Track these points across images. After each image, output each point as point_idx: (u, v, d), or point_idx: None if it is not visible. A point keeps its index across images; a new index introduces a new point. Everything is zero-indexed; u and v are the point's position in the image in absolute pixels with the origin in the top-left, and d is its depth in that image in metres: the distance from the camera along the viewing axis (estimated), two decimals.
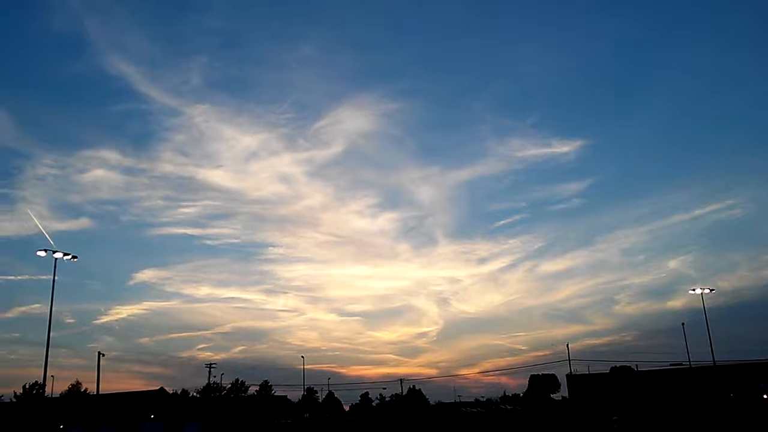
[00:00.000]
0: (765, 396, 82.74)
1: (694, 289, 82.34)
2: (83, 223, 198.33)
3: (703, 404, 76.59)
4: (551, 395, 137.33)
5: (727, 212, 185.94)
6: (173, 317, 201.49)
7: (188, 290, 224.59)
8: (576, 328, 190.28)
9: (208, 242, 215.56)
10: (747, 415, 63.14)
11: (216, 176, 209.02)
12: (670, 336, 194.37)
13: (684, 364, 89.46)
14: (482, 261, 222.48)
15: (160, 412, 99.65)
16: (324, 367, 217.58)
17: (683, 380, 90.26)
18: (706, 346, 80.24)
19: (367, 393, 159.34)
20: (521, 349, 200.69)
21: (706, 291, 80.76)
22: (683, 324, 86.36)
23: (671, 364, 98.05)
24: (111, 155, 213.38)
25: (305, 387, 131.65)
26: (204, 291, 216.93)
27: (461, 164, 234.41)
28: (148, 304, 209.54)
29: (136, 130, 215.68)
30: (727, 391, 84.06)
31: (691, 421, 56.66)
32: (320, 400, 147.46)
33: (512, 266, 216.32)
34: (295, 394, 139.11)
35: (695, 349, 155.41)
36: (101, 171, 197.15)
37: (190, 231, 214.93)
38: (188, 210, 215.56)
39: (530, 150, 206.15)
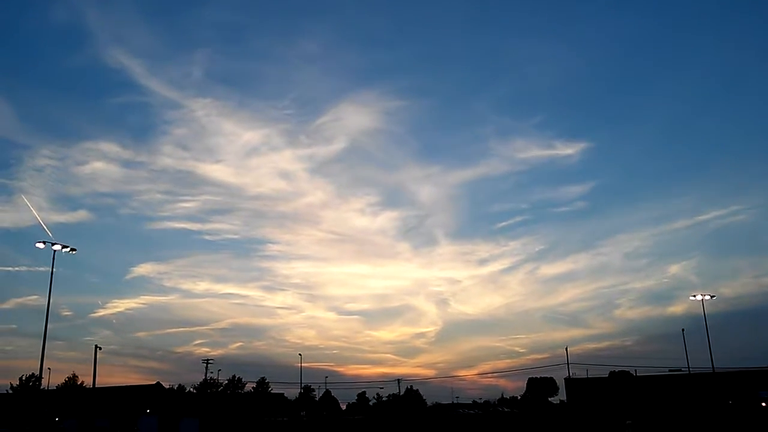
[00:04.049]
0: (764, 404, 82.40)
1: (695, 295, 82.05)
2: (82, 215, 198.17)
3: (701, 411, 76.20)
4: (549, 399, 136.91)
5: (731, 218, 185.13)
6: (171, 312, 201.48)
7: (186, 285, 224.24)
8: (576, 332, 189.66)
9: (208, 237, 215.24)
10: (745, 422, 62.82)
11: (216, 171, 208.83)
12: (670, 341, 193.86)
13: (683, 370, 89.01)
14: (482, 262, 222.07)
15: (156, 406, 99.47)
16: (321, 365, 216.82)
17: (682, 386, 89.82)
18: (706, 352, 79.83)
19: (364, 392, 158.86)
20: (520, 352, 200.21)
21: (707, 297, 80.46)
22: (683, 330, 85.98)
23: (670, 370, 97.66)
24: (110, 148, 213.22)
25: (302, 385, 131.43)
26: (202, 286, 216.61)
27: (463, 164, 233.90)
28: (145, 299, 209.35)
29: (136, 122, 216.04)
30: (725, 398, 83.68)
31: (691, 428, 56.33)
32: (317, 399, 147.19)
33: (513, 268, 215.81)
34: (292, 392, 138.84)
35: (695, 356, 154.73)
36: (100, 163, 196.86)
37: (189, 226, 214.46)
38: (188, 205, 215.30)
39: (533, 151, 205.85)
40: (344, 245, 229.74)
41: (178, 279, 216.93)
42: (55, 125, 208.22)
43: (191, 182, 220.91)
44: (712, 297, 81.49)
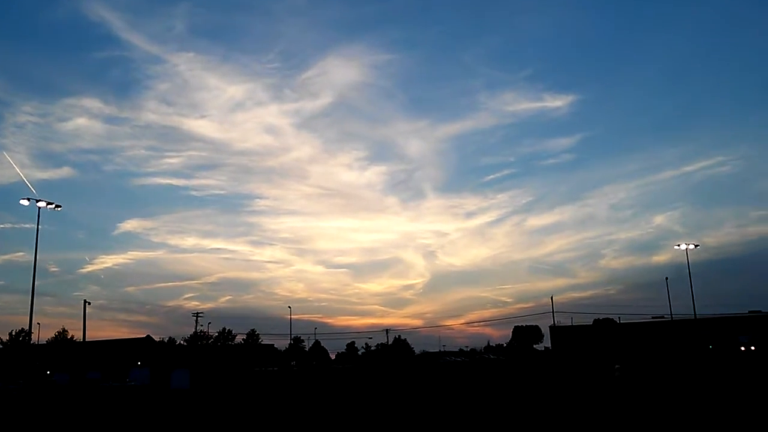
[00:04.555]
0: (743, 348, 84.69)
1: (679, 245, 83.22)
2: (66, 172, 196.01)
3: (683, 356, 78.16)
4: (534, 346, 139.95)
5: (716, 169, 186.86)
6: (159, 267, 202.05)
7: (174, 241, 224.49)
8: (561, 282, 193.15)
9: (194, 193, 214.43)
10: (725, 366, 64.48)
11: (201, 126, 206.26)
12: (653, 290, 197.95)
13: (666, 318, 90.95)
14: (470, 215, 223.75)
15: (147, 359, 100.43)
16: (311, 317, 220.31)
17: (664, 333, 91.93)
18: (689, 300, 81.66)
19: (353, 342, 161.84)
20: (506, 302, 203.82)
21: (691, 246, 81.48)
22: (666, 278, 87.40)
23: (653, 317, 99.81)
24: (93, 104, 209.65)
25: (292, 336, 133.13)
26: (190, 242, 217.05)
27: (452, 118, 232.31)
28: (133, 254, 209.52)
29: (118, 78, 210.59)
30: (706, 344, 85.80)
31: (673, 372, 57.69)
32: (307, 349, 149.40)
33: (500, 220, 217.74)
34: (282, 343, 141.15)
35: (678, 303, 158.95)
36: (83, 120, 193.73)
37: (174, 181, 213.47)
38: (173, 160, 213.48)
39: (522, 104, 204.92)
40: (332, 200, 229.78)
41: (165, 234, 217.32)
42: (35, 81, 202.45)
43: (176, 138, 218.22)
44: (696, 246, 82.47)
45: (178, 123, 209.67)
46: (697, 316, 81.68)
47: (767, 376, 48.10)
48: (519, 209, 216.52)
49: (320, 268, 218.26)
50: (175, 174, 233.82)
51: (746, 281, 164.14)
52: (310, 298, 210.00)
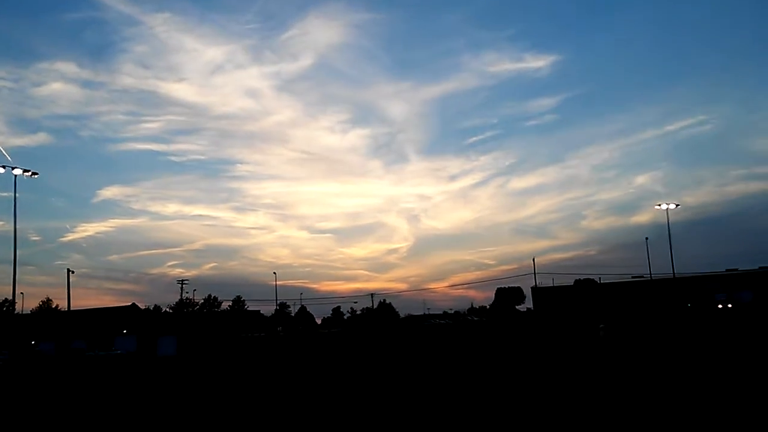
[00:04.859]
0: (719, 306, 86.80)
1: (659, 205, 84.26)
2: (41, 138, 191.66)
3: (662, 314, 79.92)
4: (516, 307, 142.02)
5: (698, 128, 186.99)
6: (141, 234, 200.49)
7: (155, 207, 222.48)
8: (543, 243, 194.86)
9: (174, 158, 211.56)
10: (702, 323, 66.16)
11: (179, 90, 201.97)
12: (634, 250, 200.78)
13: (645, 277, 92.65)
14: (453, 178, 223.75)
15: (132, 326, 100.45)
16: (296, 282, 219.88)
17: (644, 292, 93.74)
18: (669, 259, 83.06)
19: (338, 307, 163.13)
20: (489, 264, 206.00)
21: (671, 206, 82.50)
22: (647, 238, 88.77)
23: (633, 277, 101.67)
24: (68, 68, 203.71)
25: (278, 302, 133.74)
26: (172, 208, 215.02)
27: (434, 79, 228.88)
28: (114, 222, 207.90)
29: (94, 40, 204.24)
30: (685, 302, 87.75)
31: (651, 330, 59.08)
32: (293, 315, 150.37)
33: (483, 183, 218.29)
34: (268, 309, 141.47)
35: (658, 263, 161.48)
36: (58, 84, 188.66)
37: (154, 147, 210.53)
38: (151, 125, 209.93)
39: (504, 65, 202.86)
40: (314, 164, 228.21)
41: (146, 201, 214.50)
42: (8, 45, 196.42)
43: (154, 102, 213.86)
44: (676, 206, 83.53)
45: (156, 87, 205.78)
46: (676, 275, 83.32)
47: (743, 332, 49.49)
48: (502, 171, 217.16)
49: (304, 234, 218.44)
50: (154, 139, 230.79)
51: (725, 240, 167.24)
52: (295, 264, 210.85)
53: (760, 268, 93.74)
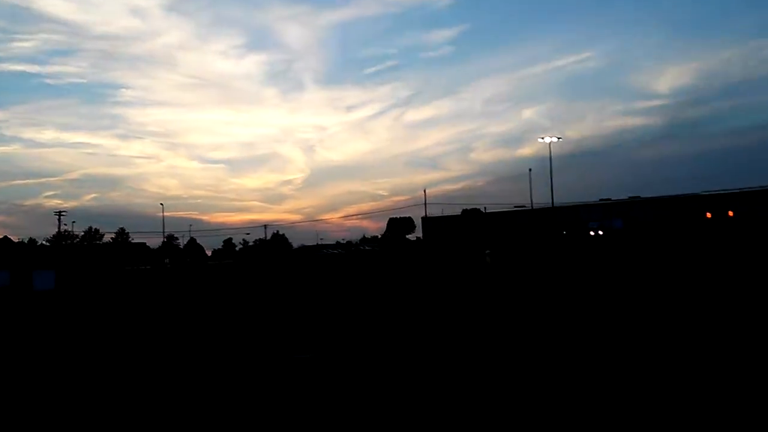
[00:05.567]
0: (592, 233, 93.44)
1: (542, 138, 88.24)
2: None
3: (541, 241, 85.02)
4: (407, 236, 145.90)
5: (582, 64, 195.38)
6: (14, 164, 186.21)
7: (29, 134, 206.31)
8: (435, 175, 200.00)
9: (49, 81, 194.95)
10: (576, 249, 71.10)
11: (55, 6, 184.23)
12: (519, 181, 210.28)
13: (527, 207, 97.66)
14: (351, 108, 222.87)
15: (5, 261, 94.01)
16: (186, 214, 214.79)
17: (525, 220, 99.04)
18: (550, 190, 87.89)
19: (230, 239, 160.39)
20: (383, 195, 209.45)
21: (554, 139, 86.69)
22: (530, 170, 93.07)
23: (515, 206, 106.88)
24: None
25: (165, 234, 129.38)
26: (48, 135, 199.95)
27: (333, 4, 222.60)
28: None
29: None
30: (561, 230, 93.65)
31: (531, 255, 62.75)
32: (181, 247, 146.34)
33: (380, 114, 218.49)
34: (155, 242, 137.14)
35: (542, 193, 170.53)
36: None
37: (27, 68, 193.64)
38: (24, 44, 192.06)
39: None
40: (206, 90, 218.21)
41: (18, 127, 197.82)
42: None
43: (26, 19, 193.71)
44: (558, 139, 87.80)
45: (29, 2, 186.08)
46: (555, 205, 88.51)
47: (610, 256, 53.75)
48: (399, 103, 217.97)
49: (195, 164, 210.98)
50: (28, 59, 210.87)
51: (602, 172, 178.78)
52: (185, 195, 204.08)
53: (630, 197, 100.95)
